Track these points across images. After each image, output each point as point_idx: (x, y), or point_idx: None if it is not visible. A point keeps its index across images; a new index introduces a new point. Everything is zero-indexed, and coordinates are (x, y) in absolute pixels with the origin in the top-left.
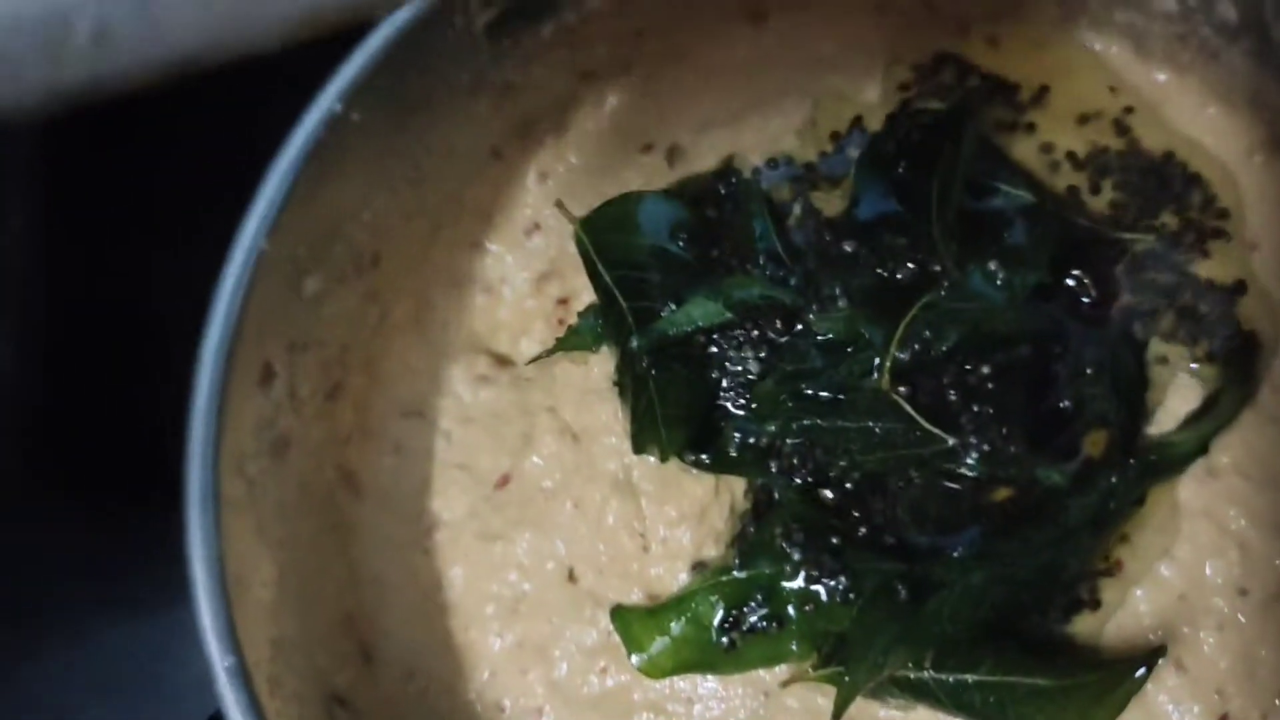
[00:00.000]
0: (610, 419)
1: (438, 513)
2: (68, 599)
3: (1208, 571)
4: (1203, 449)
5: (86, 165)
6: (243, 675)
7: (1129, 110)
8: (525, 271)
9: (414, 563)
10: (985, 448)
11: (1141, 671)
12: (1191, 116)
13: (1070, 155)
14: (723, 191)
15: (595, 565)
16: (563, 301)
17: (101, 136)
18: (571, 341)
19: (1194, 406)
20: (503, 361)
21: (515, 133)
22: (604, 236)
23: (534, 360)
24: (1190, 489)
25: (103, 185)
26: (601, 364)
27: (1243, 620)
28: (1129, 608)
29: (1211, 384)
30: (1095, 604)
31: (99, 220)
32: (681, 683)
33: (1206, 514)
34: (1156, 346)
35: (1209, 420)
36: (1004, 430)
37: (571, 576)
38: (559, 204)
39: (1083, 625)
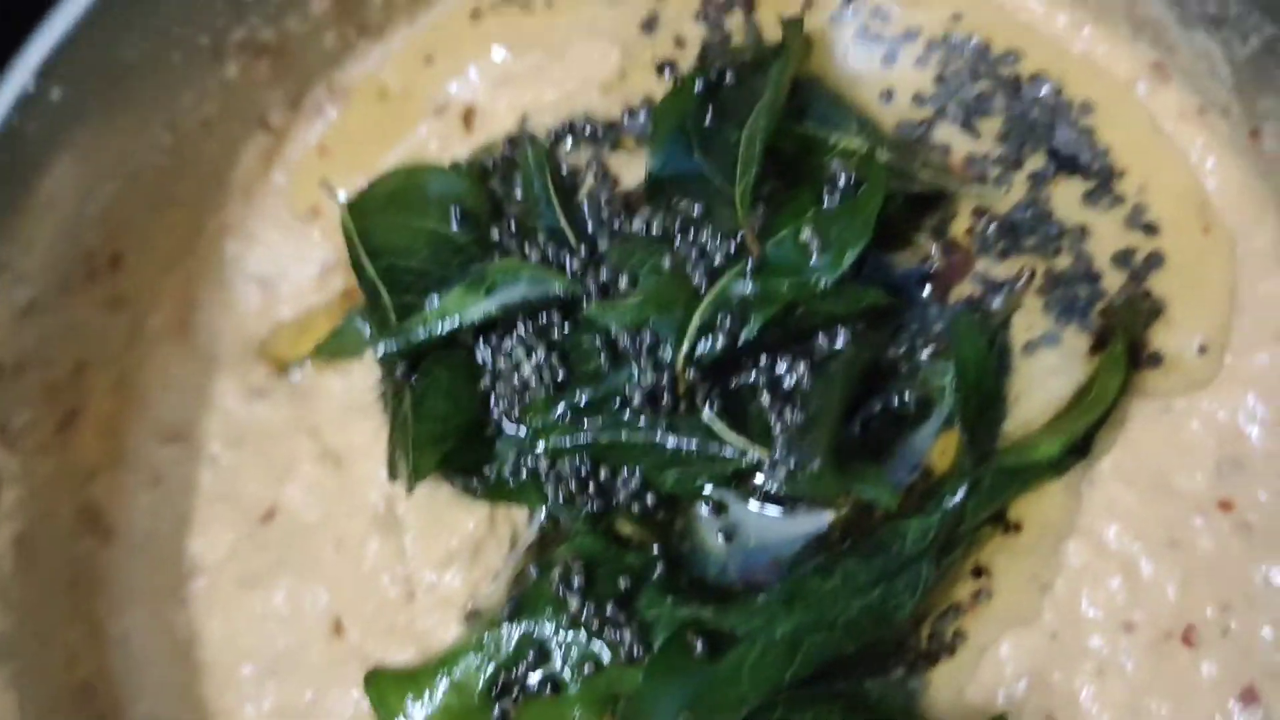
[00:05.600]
0: (372, 438)
1: (197, 555)
2: None
3: (1084, 604)
4: (1079, 450)
5: None
6: None
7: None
8: (306, 263)
9: (168, 616)
10: (798, 461)
11: None
12: (1067, 39)
13: (917, 96)
14: (514, 160)
15: (360, 616)
16: (350, 296)
17: None
18: (334, 346)
19: (1064, 396)
20: (282, 370)
21: (285, 100)
22: (373, 220)
23: (289, 370)
24: (1062, 502)
25: None
26: (366, 372)
27: (1127, 664)
28: (989, 654)
29: (1085, 368)
30: (948, 651)
31: None
32: None
33: (1083, 533)
34: (1019, 324)
35: (1081, 413)
36: (821, 439)
37: (338, 629)
38: (324, 184)
39: (937, 678)
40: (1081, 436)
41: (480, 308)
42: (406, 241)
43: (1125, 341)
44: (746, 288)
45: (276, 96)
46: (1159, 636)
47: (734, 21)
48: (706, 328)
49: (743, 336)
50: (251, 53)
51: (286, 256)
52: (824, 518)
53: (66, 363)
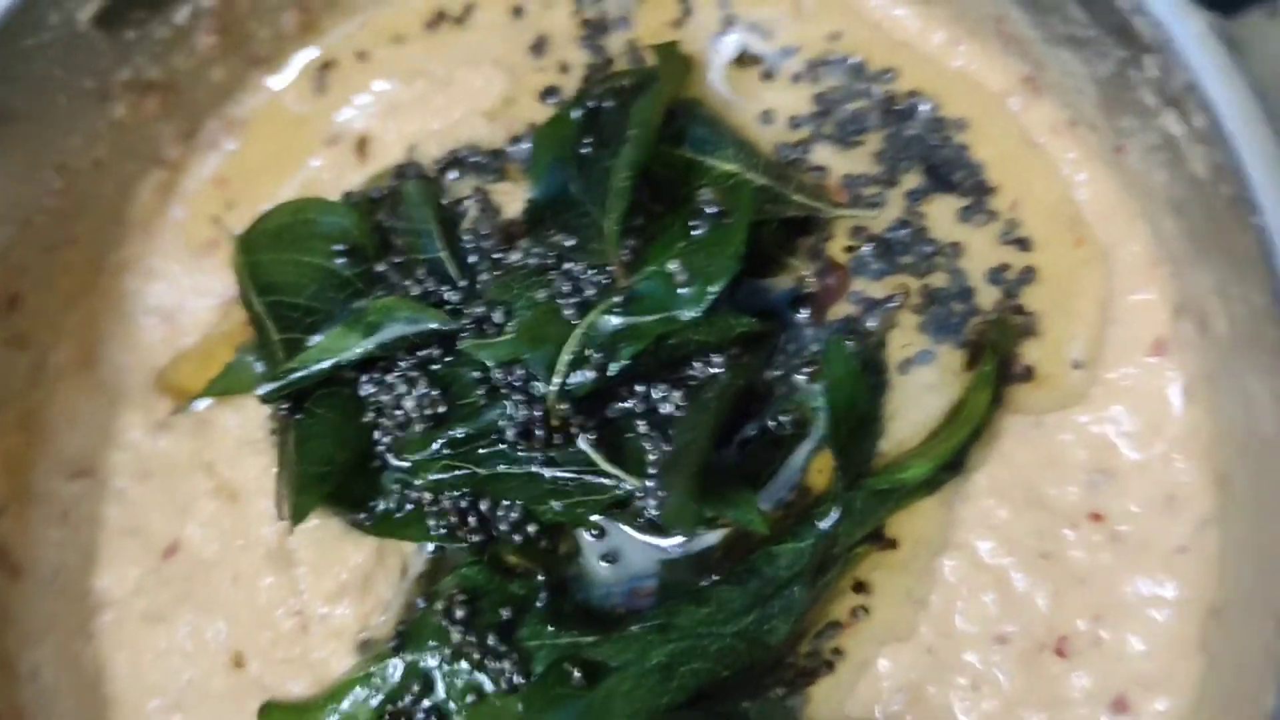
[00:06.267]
0: (263, 474)
1: (104, 590)
2: None
3: (959, 619)
4: (952, 467)
5: None
6: None
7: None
8: (206, 295)
9: (76, 651)
10: (668, 495)
11: None
12: (942, 56)
13: (795, 116)
14: (402, 191)
15: (259, 648)
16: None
17: None
18: (225, 383)
19: (940, 412)
20: (184, 401)
21: (178, 135)
22: (262, 255)
23: (184, 407)
24: (937, 518)
25: None
26: (258, 408)
27: (1001, 677)
28: (868, 669)
29: (961, 384)
30: (826, 668)
31: None
32: None
33: (958, 548)
34: (895, 342)
35: (952, 432)
36: (687, 469)
37: (239, 662)
38: (215, 219)
39: (816, 695)
40: (954, 454)
41: (359, 347)
42: (294, 277)
43: (996, 358)
44: (617, 321)
45: (169, 132)
46: (1032, 648)
47: (616, 45)
48: (578, 362)
49: (611, 369)
50: (138, 91)
51: (187, 289)
52: (707, 539)
53: None
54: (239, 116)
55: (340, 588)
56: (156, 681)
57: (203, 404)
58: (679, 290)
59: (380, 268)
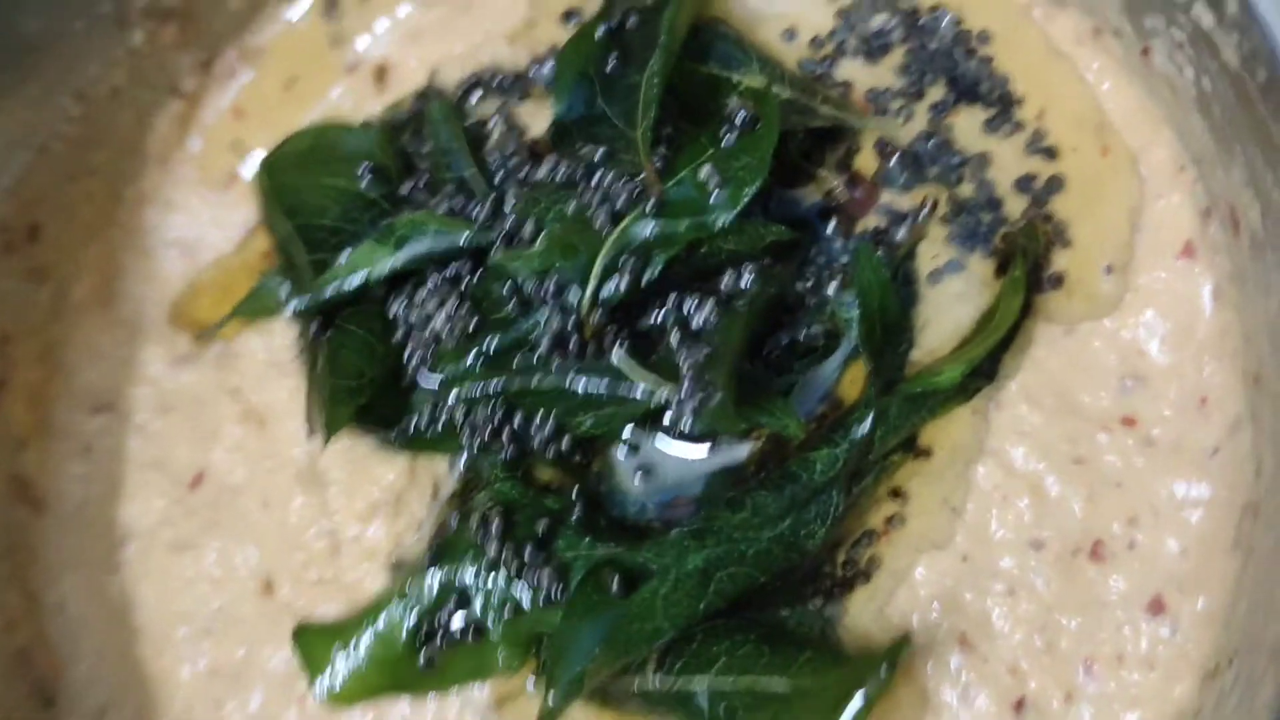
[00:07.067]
0: (292, 397)
1: (129, 523)
2: None
3: (994, 526)
4: (985, 375)
5: None
6: None
7: None
8: (226, 225)
9: (102, 583)
10: (702, 397)
11: (884, 670)
12: None
13: (818, 32)
14: (424, 114)
15: (290, 572)
16: (270, 256)
17: None
18: (252, 306)
19: (970, 322)
20: (206, 335)
21: (195, 64)
22: (286, 179)
23: (209, 333)
24: (970, 426)
25: None
26: (285, 332)
27: (1037, 582)
28: (905, 577)
29: (990, 293)
30: (863, 577)
31: None
32: (394, 705)
33: (992, 455)
34: (924, 253)
35: (984, 337)
36: (724, 374)
37: (268, 587)
38: (237, 146)
39: (853, 604)
40: (986, 361)
41: (389, 262)
42: (319, 200)
43: (1026, 264)
44: (649, 229)
45: (186, 61)
46: (1067, 553)
47: None
48: (611, 270)
49: (646, 277)
50: (157, 18)
51: (206, 221)
52: (739, 452)
53: None
54: (256, 45)
55: (372, 507)
56: (185, 609)
57: (223, 333)
58: (711, 196)
59: (405, 189)
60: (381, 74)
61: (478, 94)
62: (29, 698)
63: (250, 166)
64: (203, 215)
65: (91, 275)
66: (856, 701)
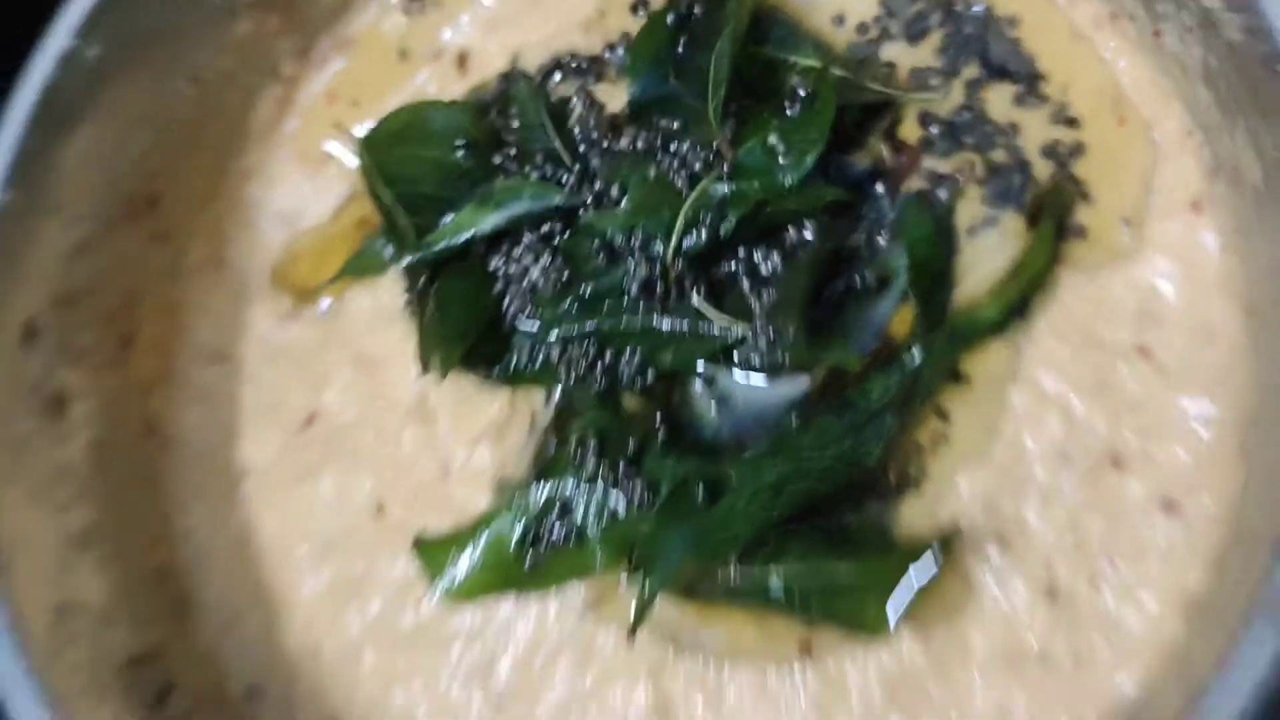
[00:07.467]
0: (399, 344)
1: (247, 460)
2: None
3: (1028, 441)
4: (1018, 312)
5: None
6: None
7: None
8: (322, 198)
9: (224, 514)
10: (775, 334)
11: (937, 556)
12: None
13: (864, 19)
14: (509, 94)
15: (401, 496)
16: (364, 224)
17: None
18: (359, 265)
19: (1003, 269)
20: (306, 296)
21: (294, 51)
22: (385, 153)
23: (321, 290)
24: (1006, 357)
25: None
26: (390, 288)
27: (1066, 488)
28: (950, 486)
29: (1021, 245)
30: (913, 486)
31: None
32: (496, 607)
33: (1024, 381)
34: (962, 211)
35: (1017, 280)
36: (793, 314)
37: (381, 510)
38: (338, 125)
39: (905, 510)
40: (1019, 300)
41: (490, 220)
42: (416, 170)
43: (1053, 219)
44: (723, 189)
45: (286, 48)
46: (1092, 464)
47: None
48: (690, 225)
49: (722, 230)
50: (262, 9)
51: (304, 194)
52: (802, 383)
53: (119, 292)
54: (348, 35)
55: (478, 434)
56: (303, 534)
57: (333, 290)
58: (779, 161)
59: (497, 160)
60: (463, 60)
61: (557, 76)
62: (166, 609)
63: (341, 146)
64: (301, 188)
65: (204, 241)
66: (912, 583)
